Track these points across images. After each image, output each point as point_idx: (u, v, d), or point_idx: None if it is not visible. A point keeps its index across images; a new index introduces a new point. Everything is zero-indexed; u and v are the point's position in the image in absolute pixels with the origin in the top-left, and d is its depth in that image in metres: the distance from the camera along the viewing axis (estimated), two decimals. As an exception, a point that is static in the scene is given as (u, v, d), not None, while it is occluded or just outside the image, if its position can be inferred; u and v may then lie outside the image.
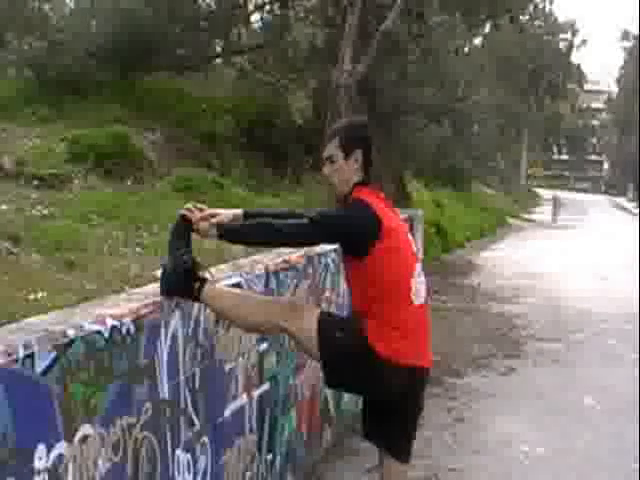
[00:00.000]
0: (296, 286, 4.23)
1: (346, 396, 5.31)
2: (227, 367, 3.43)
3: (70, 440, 2.30)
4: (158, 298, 2.92)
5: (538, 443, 5.37)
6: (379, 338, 2.97)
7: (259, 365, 3.80)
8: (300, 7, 12.83)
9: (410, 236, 3.22)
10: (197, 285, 3.02)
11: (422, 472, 4.65)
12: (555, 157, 70.72)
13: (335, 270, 4.89)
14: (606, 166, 77.98)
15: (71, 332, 2.34)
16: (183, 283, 3.00)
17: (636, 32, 55.48)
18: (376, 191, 3.14)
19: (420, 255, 7.93)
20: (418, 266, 3.12)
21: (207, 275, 3.12)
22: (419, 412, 3.22)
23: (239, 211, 3.22)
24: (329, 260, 4.81)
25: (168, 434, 2.90)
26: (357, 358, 2.98)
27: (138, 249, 5.08)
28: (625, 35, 60.46)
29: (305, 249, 4.57)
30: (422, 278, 3.12)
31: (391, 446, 3.17)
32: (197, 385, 3.12)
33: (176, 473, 2.97)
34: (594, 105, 72.62)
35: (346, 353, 3.01)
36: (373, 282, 2.98)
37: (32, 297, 3.52)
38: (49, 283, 3.78)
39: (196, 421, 3.12)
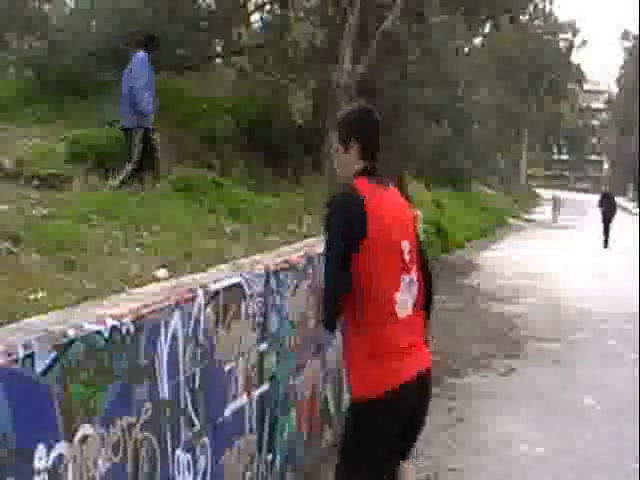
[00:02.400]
0: (296, 286, 4.23)
1: (346, 396, 5.31)
2: (227, 367, 3.43)
3: (70, 440, 2.30)
4: (158, 298, 2.92)
5: (538, 443, 5.37)
6: (363, 382, 2.89)
7: (259, 365, 3.80)
8: (300, 7, 12.82)
9: (413, 229, 3.07)
10: None
11: (422, 472, 4.65)
12: (555, 157, 70.76)
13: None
14: (606, 166, 77.98)
15: (71, 332, 2.34)
16: None
17: (636, 32, 55.50)
18: (378, 180, 3.03)
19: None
20: (412, 273, 2.97)
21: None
22: (427, 406, 3.13)
23: None
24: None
25: (168, 434, 2.90)
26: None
27: (138, 249, 5.07)
28: (625, 35, 60.50)
29: (305, 249, 4.58)
30: (414, 286, 2.98)
31: (405, 451, 3.11)
32: (197, 385, 3.12)
33: (176, 473, 2.97)
34: (594, 105, 72.66)
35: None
36: (355, 289, 2.86)
37: (32, 297, 3.51)
38: (49, 283, 3.78)
39: (196, 421, 3.12)
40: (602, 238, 20.72)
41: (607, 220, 21.19)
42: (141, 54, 8.07)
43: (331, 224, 2.91)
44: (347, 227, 2.87)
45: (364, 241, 2.84)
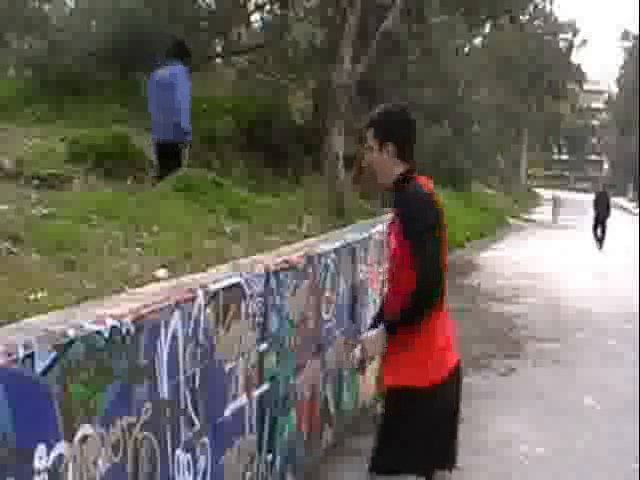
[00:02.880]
0: (296, 286, 4.23)
1: (346, 396, 5.32)
2: (227, 367, 3.43)
3: (70, 440, 2.30)
4: (158, 298, 2.92)
5: (538, 443, 5.37)
6: (415, 370, 3.03)
7: (259, 365, 3.80)
8: (300, 7, 12.82)
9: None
10: None
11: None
12: (555, 157, 70.75)
13: (335, 270, 4.89)
14: (606, 166, 77.98)
15: (71, 332, 2.34)
16: None
17: (636, 32, 55.50)
18: (425, 181, 3.14)
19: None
20: None
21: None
22: (460, 398, 3.27)
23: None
24: (329, 260, 4.81)
25: (168, 434, 2.90)
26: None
27: (138, 249, 5.07)
28: (625, 35, 60.49)
29: (305, 249, 4.58)
30: None
31: (448, 458, 3.21)
32: (197, 385, 3.12)
33: (176, 473, 2.97)
34: (594, 105, 72.67)
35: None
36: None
37: (32, 297, 3.51)
38: (49, 283, 3.78)
39: (196, 421, 3.12)
40: (595, 240, 20.13)
41: (601, 221, 20.59)
42: (181, 67, 7.78)
43: (420, 219, 3.02)
44: (434, 220, 3.04)
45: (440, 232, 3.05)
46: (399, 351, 3.05)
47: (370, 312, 5.42)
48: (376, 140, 3.11)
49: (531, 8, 35.09)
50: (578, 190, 67.35)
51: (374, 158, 3.13)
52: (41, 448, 2.17)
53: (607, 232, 20.31)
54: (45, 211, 5.49)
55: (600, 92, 71.78)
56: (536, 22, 42.56)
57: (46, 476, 2.19)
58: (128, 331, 2.62)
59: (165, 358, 2.86)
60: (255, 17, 14.49)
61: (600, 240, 20.04)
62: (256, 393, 3.77)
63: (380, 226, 6.13)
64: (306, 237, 6.25)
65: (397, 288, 3.12)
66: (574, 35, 47.69)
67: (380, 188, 3.26)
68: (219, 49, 13.82)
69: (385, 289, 3.30)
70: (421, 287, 2.95)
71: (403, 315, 3.03)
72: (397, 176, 3.11)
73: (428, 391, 3.01)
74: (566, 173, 78.12)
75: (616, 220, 21.98)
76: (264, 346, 3.86)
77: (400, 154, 3.10)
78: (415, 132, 3.18)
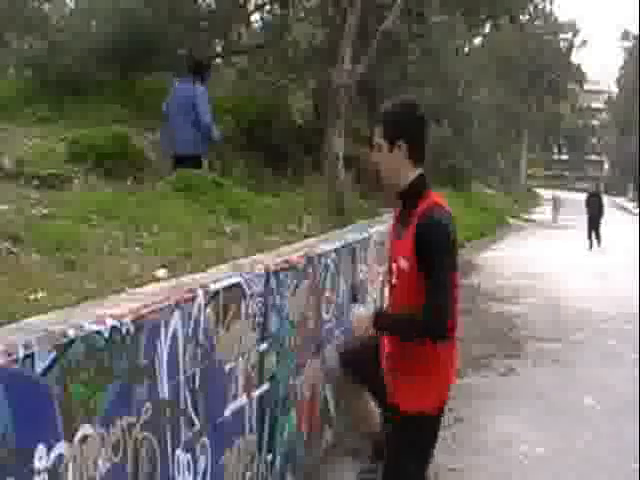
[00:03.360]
0: (296, 286, 4.23)
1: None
2: (227, 367, 3.43)
3: (70, 440, 2.30)
4: (158, 298, 2.92)
5: (538, 443, 5.37)
6: (428, 395, 3.05)
7: (259, 365, 3.80)
8: (300, 7, 12.83)
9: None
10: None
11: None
12: (555, 157, 70.77)
13: (335, 270, 4.89)
14: (606, 166, 77.99)
15: (71, 332, 2.34)
16: None
17: (636, 32, 55.51)
18: (440, 199, 2.98)
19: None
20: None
21: None
22: None
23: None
24: (329, 260, 4.81)
25: (168, 434, 2.90)
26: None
27: (138, 249, 5.08)
28: (625, 35, 60.50)
29: (305, 249, 4.58)
30: None
31: None
32: (197, 385, 3.12)
33: (176, 473, 2.97)
34: (594, 105, 72.68)
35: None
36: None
37: (32, 297, 3.51)
38: (49, 283, 3.78)
39: (196, 421, 3.12)
40: (589, 240, 19.96)
41: (595, 222, 20.36)
42: (202, 88, 8.31)
43: (443, 244, 2.86)
44: (453, 246, 2.89)
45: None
46: (416, 375, 3.02)
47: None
48: (386, 138, 2.92)
49: (531, 8, 35.08)
50: (578, 190, 67.28)
51: (383, 158, 2.93)
52: (41, 448, 2.17)
53: (601, 232, 20.21)
54: (45, 211, 5.49)
55: (600, 92, 71.78)
56: (536, 22, 42.56)
57: (46, 476, 2.19)
58: (128, 331, 2.62)
59: (165, 358, 2.86)
60: (255, 17, 14.50)
61: (597, 239, 19.98)
62: (256, 393, 3.77)
63: (380, 226, 6.13)
64: (306, 237, 6.25)
65: (405, 302, 2.99)
66: (574, 35, 47.73)
67: (385, 189, 3.06)
68: (219, 49, 13.81)
69: (386, 297, 3.23)
70: (429, 321, 2.84)
71: (404, 327, 2.96)
72: (410, 182, 2.91)
73: (437, 418, 3.12)
74: (566, 173, 78.09)
75: (616, 220, 21.95)
76: (264, 346, 3.86)
77: (412, 155, 2.90)
78: (428, 131, 2.96)
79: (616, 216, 34.88)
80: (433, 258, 2.81)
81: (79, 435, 2.34)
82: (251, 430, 3.72)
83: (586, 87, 56.11)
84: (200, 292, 3.16)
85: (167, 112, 8.52)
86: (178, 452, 2.97)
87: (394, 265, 3.01)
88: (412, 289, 2.89)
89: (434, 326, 2.86)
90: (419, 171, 2.94)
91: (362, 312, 3.11)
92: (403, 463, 3.11)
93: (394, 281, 3.04)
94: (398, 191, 2.97)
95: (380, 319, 3.05)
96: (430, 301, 2.80)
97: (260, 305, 3.76)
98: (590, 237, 20.12)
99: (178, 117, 8.28)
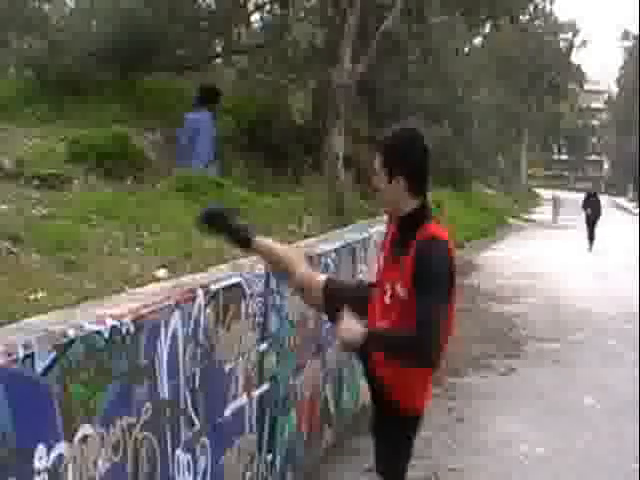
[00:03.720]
0: (296, 286, 4.22)
1: (346, 396, 5.32)
2: (227, 367, 3.43)
3: (70, 440, 2.30)
4: (158, 298, 2.92)
5: (538, 443, 5.37)
6: (421, 396, 3.08)
7: (259, 365, 3.80)
8: (300, 7, 12.81)
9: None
10: None
11: (422, 472, 4.65)
12: (555, 157, 70.76)
13: (335, 270, 4.89)
14: (606, 166, 77.99)
15: (71, 332, 2.34)
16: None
17: (636, 32, 55.52)
18: (440, 228, 2.91)
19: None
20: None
21: None
22: None
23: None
24: (329, 260, 4.81)
25: (168, 434, 2.90)
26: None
27: (138, 249, 5.08)
28: (625, 35, 60.52)
29: (305, 249, 4.57)
30: None
31: None
32: (197, 385, 3.12)
33: (176, 473, 2.97)
34: (594, 105, 72.66)
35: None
36: None
37: (32, 297, 3.51)
38: (49, 283, 3.78)
39: (196, 421, 3.12)
40: (590, 242, 19.64)
41: (592, 223, 20.08)
42: (207, 115, 8.64)
43: (440, 274, 2.80)
44: (450, 276, 2.83)
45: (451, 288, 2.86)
46: (409, 376, 3.02)
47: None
48: (385, 169, 2.83)
49: (531, 8, 35.12)
50: (578, 190, 67.26)
51: (383, 189, 2.87)
52: (41, 448, 2.17)
53: (596, 234, 19.90)
54: (45, 211, 5.49)
55: (600, 92, 71.77)
56: (536, 22, 42.58)
57: (46, 476, 2.19)
58: (128, 331, 2.62)
59: (165, 358, 2.86)
60: (255, 17, 14.48)
61: (590, 241, 19.76)
62: (256, 393, 3.77)
63: (380, 226, 6.13)
64: (306, 237, 6.26)
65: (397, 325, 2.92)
66: (574, 35, 47.74)
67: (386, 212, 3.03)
68: (219, 49, 13.80)
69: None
70: (416, 345, 2.79)
71: (393, 346, 2.88)
72: (408, 212, 2.84)
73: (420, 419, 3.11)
74: (566, 173, 78.07)
75: (616, 220, 21.94)
76: (264, 346, 3.86)
77: (411, 188, 2.81)
78: (429, 160, 2.88)
79: (616, 216, 34.91)
80: (428, 290, 2.75)
81: (79, 435, 2.34)
82: (251, 430, 3.72)
83: (586, 87, 56.12)
84: (200, 292, 3.16)
85: (180, 142, 8.68)
86: (178, 452, 2.97)
87: (388, 286, 2.93)
88: (406, 315, 2.83)
89: (421, 355, 2.85)
90: (419, 202, 2.86)
91: (354, 324, 2.82)
92: (403, 463, 3.12)
93: (388, 301, 2.95)
94: (398, 215, 2.92)
95: (371, 337, 2.85)
96: (420, 333, 2.75)
97: (260, 305, 3.76)
98: (590, 237, 20.04)
99: (188, 146, 8.43)
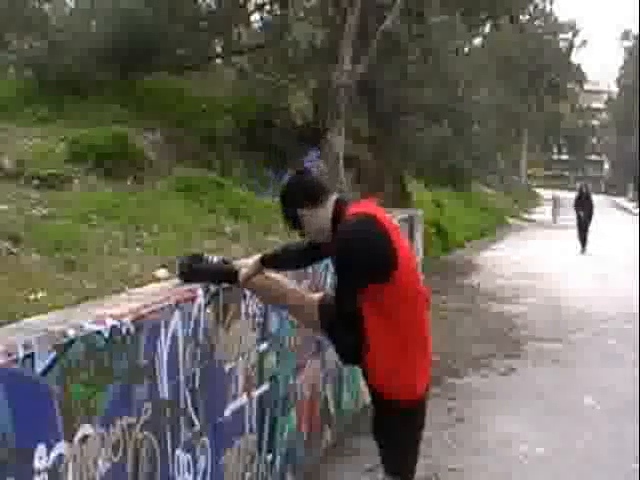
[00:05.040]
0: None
1: (346, 396, 5.32)
2: (227, 367, 3.43)
3: (70, 440, 2.30)
4: (158, 298, 2.92)
5: (538, 443, 5.37)
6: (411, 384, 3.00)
7: (259, 365, 3.80)
8: (300, 7, 12.81)
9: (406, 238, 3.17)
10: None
11: (422, 472, 4.64)
12: (555, 157, 70.72)
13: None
14: (606, 166, 77.97)
15: (71, 332, 2.34)
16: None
17: (636, 32, 55.53)
18: (368, 201, 3.03)
19: (420, 255, 7.94)
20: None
21: None
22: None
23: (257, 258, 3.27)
24: (329, 260, 4.80)
25: (168, 434, 2.90)
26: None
27: (138, 249, 5.08)
28: (625, 35, 60.51)
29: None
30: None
31: None
32: (197, 385, 3.12)
33: (176, 473, 2.97)
34: (594, 105, 72.59)
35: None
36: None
37: (32, 297, 3.52)
38: (49, 283, 3.78)
39: (196, 421, 3.12)
40: (581, 243, 18.60)
41: (584, 223, 18.89)
42: None
43: (344, 259, 2.94)
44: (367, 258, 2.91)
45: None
46: (392, 366, 3.01)
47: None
48: (289, 219, 3.04)
49: (531, 8, 35.12)
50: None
51: (307, 229, 3.01)
52: (41, 448, 2.17)
53: (589, 236, 18.84)
54: (45, 211, 5.50)
55: (600, 92, 71.71)
56: (536, 22, 42.56)
57: (46, 476, 2.19)
58: (128, 331, 2.62)
59: (165, 358, 2.86)
60: (255, 17, 14.48)
61: (583, 243, 18.69)
62: (256, 393, 3.77)
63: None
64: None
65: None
66: (574, 35, 47.71)
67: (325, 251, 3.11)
68: (219, 49, 13.79)
69: None
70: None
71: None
72: (331, 218, 2.95)
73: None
74: (566, 173, 77.99)
75: (616, 220, 21.90)
76: (264, 346, 3.86)
77: (315, 203, 2.95)
78: (321, 180, 3.05)
79: (616, 216, 34.90)
80: (336, 269, 2.96)
81: (79, 435, 2.34)
82: (251, 430, 3.72)
83: (586, 87, 56.08)
84: (200, 292, 3.16)
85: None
86: (178, 452, 2.97)
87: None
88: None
89: (337, 344, 3.08)
90: (329, 205, 2.97)
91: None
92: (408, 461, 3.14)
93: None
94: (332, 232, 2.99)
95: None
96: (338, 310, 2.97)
97: (260, 305, 3.76)
98: (582, 239, 18.79)
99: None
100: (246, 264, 3.33)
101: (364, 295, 2.87)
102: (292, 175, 3.13)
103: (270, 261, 3.24)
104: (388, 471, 3.08)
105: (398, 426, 3.02)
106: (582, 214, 19.18)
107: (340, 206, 2.96)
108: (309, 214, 2.97)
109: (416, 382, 2.99)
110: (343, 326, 2.97)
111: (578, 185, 22.75)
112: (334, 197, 2.99)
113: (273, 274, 3.29)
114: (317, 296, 3.36)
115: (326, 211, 2.96)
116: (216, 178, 8.52)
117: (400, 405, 2.97)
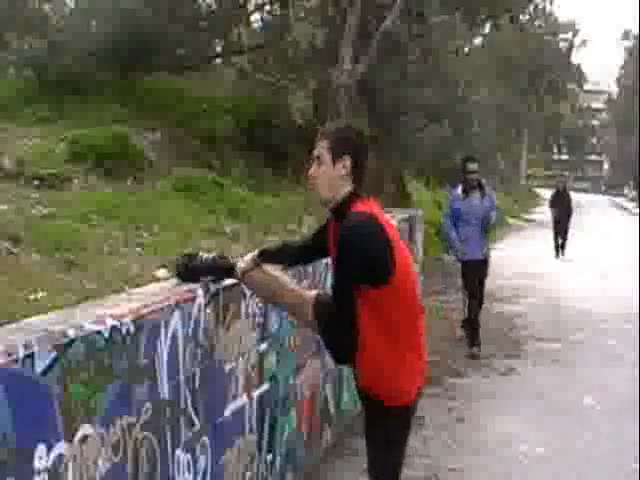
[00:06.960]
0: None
1: (346, 396, 5.32)
2: (227, 367, 3.43)
3: (70, 440, 2.30)
4: (158, 298, 2.92)
5: (538, 443, 5.37)
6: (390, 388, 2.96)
7: (259, 365, 3.80)
8: (300, 7, 12.80)
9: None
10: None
11: (422, 472, 4.65)
12: (555, 157, 70.73)
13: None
14: (606, 166, 78.00)
15: (71, 332, 2.34)
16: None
17: (636, 32, 55.54)
18: (373, 201, 3.00)
19: (420, 255, 7.93)
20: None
21: None
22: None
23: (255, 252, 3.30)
24: (329, 260, 4.80)
25: (168, 434, 2.90)
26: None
27: (138, 249, 5.09)
28: (625, 35, 60.53)
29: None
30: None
31: None
32: (197, 385, 3.12)
33: (176, 473, 2.97)
34: (594, 105, 72.64)
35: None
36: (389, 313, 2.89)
37: (32, 297, 3.52)
38: (49, 283, 3.78)
39: (196, 421, 3.12)
40: (555, 246, 17.28)
41: (562, 225, 17.33)
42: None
43: (344, 258, 2.93)
44: (386, 252, 2.91)
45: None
46: (392, 372, 2.99)
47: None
48: (330, 151, 2.93)
49: (531, 8, 35.06)
50: (578, 190, 67.28)
51: (322, 173, 2.95)
52: (41, 448, 2.17)
53: (568, 238, 17.56)
54: (45, 211, 5.50)
55: (600, 92, 71.74)
56: (536, 22, 42.54)
57: (46, 476, 2.19)
58: (128, 331, 2.62)
59: (165, 358, 2.86)
60: (255, 17, 14.48)
61: (561, 246, 17.34)
62: (256, 393, 3.77)
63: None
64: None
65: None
66: (574, 35, 47.69)
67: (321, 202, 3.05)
68: (219, 49, 13.80)
69: None
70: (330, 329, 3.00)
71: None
72: (342, 197, 2.94)
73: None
74: (566, 173, 77.98)
75: (616, 220, 21.88)
76: (264, 346, 3.86)
77: (354, 170, 2.92)
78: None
79: (616, 216, 34.90)
80: (335, 268, 2.96)
81: (79, 435, 2.34)
82: (251, 430, 3.72)
83: (586, 87, 56.08)
84: (200, 292, 3.17)
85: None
86: (178, 452, 2.97)
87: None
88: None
89: (331, 343, 3.05)
90: (352, 189, 2.96)
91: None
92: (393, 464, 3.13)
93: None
94: (331, 204, 3.00)
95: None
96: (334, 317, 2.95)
97: (260, 305, 3.76)
98: (556, 242, 17.37)
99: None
100: (244, 259, 3.34)
101: (360, 295, 2.87)
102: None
103: (268, 256, 3.25)
104: (372, 475, 3.06)
105: (388, 428, 3.00)
106: (557, 215, 17.53)
107: (352, 197, 2.94)
108: (339, 166, 2.93)
109: (408, 385, 2.97)
110: (338, 324, 2.96)
111: (584, 186, 21.62)
112: (352, 186, 2.96)
113: (272, 271, 3.29)
114: (312, 293, 3.35)
115: (345, 183, 2.94)
116: (216, 178, 8.52)
117: (387, 406, 2.95)
